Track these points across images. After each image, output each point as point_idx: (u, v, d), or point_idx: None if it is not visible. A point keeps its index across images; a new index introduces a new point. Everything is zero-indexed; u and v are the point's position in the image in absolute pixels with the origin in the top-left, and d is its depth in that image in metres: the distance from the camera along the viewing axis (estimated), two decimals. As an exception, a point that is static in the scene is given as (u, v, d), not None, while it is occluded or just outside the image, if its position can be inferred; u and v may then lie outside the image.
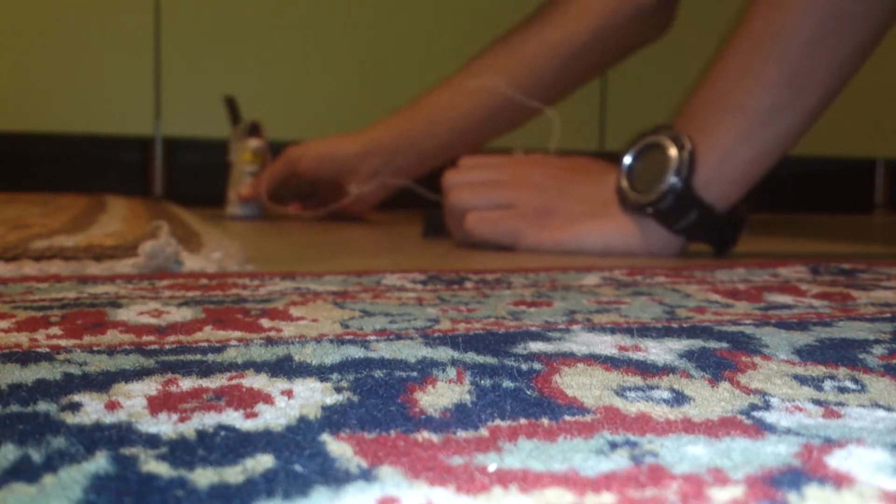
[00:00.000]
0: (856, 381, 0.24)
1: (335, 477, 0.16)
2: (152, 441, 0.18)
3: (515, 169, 0.70)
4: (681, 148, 0.60)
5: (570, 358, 0.26)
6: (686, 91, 0.69)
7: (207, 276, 0.44)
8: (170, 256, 0.47)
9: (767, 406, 0.21)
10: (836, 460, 0.17)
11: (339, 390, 0.22)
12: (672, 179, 0.60)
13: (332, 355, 0.26)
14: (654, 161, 0.61)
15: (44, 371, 0.23)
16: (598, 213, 0.65)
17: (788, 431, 0.19)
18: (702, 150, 0.60)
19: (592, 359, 0.26)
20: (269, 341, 0.28)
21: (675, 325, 0.32)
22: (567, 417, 0.20)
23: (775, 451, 0.17)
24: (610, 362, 0.26)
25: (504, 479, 0.16)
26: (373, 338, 0.29)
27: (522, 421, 0.19)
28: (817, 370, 0.25)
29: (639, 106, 1.41)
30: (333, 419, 0.19)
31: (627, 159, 0.63)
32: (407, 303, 0.37)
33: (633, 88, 1.41)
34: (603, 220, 0.64)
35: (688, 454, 0.17)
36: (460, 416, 0.20)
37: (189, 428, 0.19)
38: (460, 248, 0.69)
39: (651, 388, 0.23)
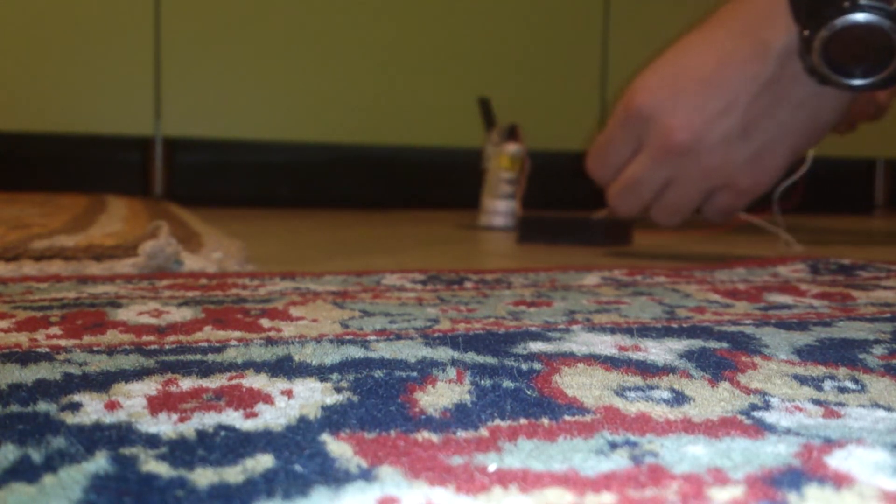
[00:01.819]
0: (856, 381, 0.24)
1: (335, 477, 0.16)
2: (152, 441, 0.18)
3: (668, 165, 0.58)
4: None
5: (570, 358, 0.26)
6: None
7: (207, 276, 0.44)
8: (170, 256, 0.47)
9: (767, 406, 0.21)
10: (836, 460, 0.17)
11: (339, 390, 0.22)
12: None
13: (332, 355, 0.26)
14: (861, 39, 0.53)
15: (44, 371, 0.23)
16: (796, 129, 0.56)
17: (788, 431, 0.19)
18: None
19: (592, 359, 0.26)
20: (269, 341, 0.28)
21: (675, 325, 0.32)
22: (567, 417, 0.20)
23: (775, 452, 0.17)
24: (610, 362, 0.26)
25: (504, 479, 0.16)
26: (373, 338, 0.29)
27: (522, 421, 0.19)
28: (817, 370, 0.25)
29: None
30: (333, 419, 0.19)
31: (820, 44, 0.53)
32: (407, 303, 0.37)
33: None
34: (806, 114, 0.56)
35: (688, 454, 0.17)
36: (460, 416, 0.20)
37: (189, 428, 0.19)
38: (460, 248, 0.69)
39: (651, 388, 0.23)
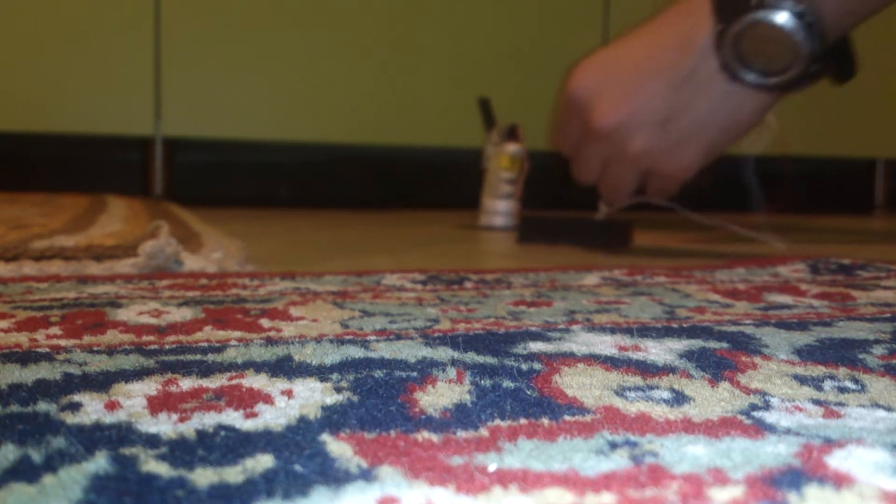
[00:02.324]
0: (856, 381, 0.24)
1: (335, 477, 0.16)
2: (152, 441, 0.18)
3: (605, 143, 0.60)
4: (808, 27, 0.53)
5: (570, 358, 0.26)
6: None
7: (207, 276, 0.44)
8: (170, 256, 0.47)
9: (767, 406, 0.21)
10: (836, 460, 0.17)
11: (339, 390, 0.22)
12: (805, 63, 0.54)
13: (332, 355, 0.26)
14: (769, 37, 0.54)
15: (44, 371, 0.23)
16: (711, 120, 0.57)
17: (788, 431, 0.19)
18: (825, 4, 0.52)
19: (592, 359, 0.26)
20: (269, 341, 0.28)
21: (675, 325, 0.32)
22: (567, 417, 0.20)
23: (775, 451, 0.17)
24: (610, 362, 0.26)
25: (504, 479, 0.16)
26: (373, 338, 0.29)
27: (522, 421, 0.19)
28: (817, 370, 0.25)
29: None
30: (333, 419, 0.19)
31: (730, 39, 0.54)
32: (407, 303, 0.37)
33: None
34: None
35: (688, 454, 0.17)
36: (460, 416, 0.20)
37: (189, 428, 0.18)
38: (460, 248, 0.69)
39: (651, 388, 0.23)
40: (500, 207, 0.93)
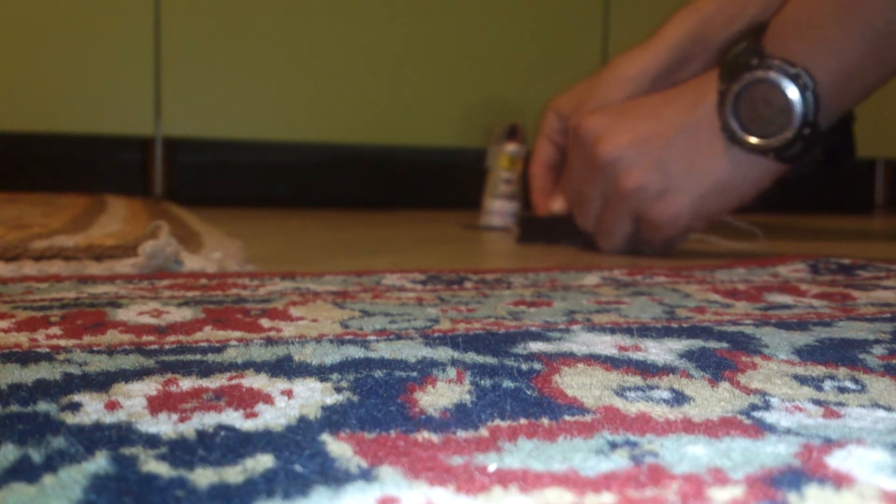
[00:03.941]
0: (856, 381, 0.24)
1: (335, 477, 0.16)
2: (152, 441, 0.18)
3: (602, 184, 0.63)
4: (803, 89, 0.54)
5: (570, 358, 0.26)
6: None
7: (207, 276, 0.44)
8: (170, 256, 0.47)
9: (767, 406, 0.21)
10: (836, 460, 0.17)
11: (339, 390, 0.22)
12: (798, 126, 0.55)
13: (332, 355, 0.26)
14: (765, 99, 0.56)
15: (44, 371, 0.23)
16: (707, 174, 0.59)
17: (788, 431, 0.19)
18: (821, 68, 0.54)
19: (592, 359, 0.26)
20: (269, 341, 0.28)
21: (674, 325, 0.32)
22: (567, 417, 0.20)
23: (775, 452, 0.17)
24: (610, 362, 0.26)
25: (504, 479, 0.16)
26: (373, 338, 0.29)
27: (522, 421, 0.19)
28: (817, 370, 0.25)
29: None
30: (333, 419, 0.19)
31: (731, 98, 0.57)
32: (407, 303, 0.37)
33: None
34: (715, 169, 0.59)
35: (688, 454, 0.17)
36: (460, 416, 0.20)
37: (189, 428, 0.19)
38: (460, 248, 0.69)
39: (651, 388, 0.23)
40: (499, 207, 0.93)
